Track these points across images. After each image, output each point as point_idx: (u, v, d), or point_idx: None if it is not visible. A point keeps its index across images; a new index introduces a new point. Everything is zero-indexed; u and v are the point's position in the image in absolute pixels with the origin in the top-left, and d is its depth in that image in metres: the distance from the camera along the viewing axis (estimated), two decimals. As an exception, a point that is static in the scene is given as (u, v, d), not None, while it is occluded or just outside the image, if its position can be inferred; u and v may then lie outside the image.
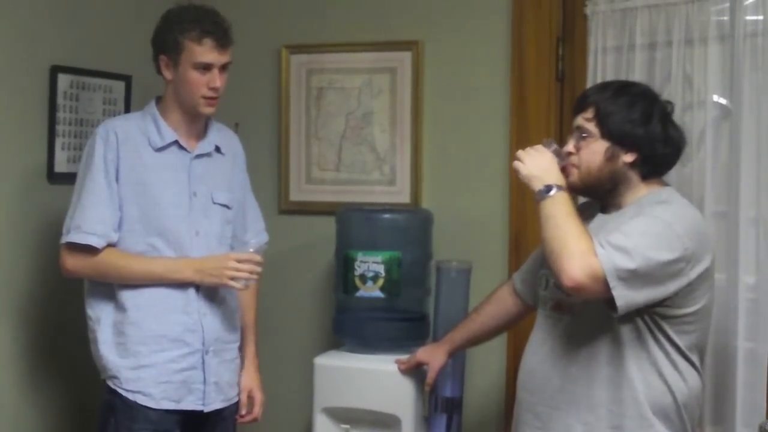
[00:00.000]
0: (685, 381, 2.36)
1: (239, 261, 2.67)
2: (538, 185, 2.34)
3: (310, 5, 3.44)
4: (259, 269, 2.69)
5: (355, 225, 3.15)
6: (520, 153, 2.41)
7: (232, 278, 2.67)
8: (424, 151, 3.30)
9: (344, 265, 3.11)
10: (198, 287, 2.72)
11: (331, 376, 3.04)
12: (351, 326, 3.15)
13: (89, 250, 2.65)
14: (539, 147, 2.41)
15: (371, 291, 3.07)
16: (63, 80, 3.09)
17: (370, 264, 3.06)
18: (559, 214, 2.30)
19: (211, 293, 2.75)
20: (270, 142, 3.49)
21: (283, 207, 3.46)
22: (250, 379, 2.92)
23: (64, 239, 2.68)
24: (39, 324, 3.04)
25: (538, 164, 2.36)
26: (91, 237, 2.64)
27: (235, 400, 2.87)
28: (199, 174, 2.76)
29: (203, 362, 2.73)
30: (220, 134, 2.86)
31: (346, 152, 3.41)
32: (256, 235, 2.94)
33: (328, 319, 3.29)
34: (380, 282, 3.06)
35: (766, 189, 2.70)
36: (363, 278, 3.07)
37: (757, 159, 2.71)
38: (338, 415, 3.02)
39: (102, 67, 3.21)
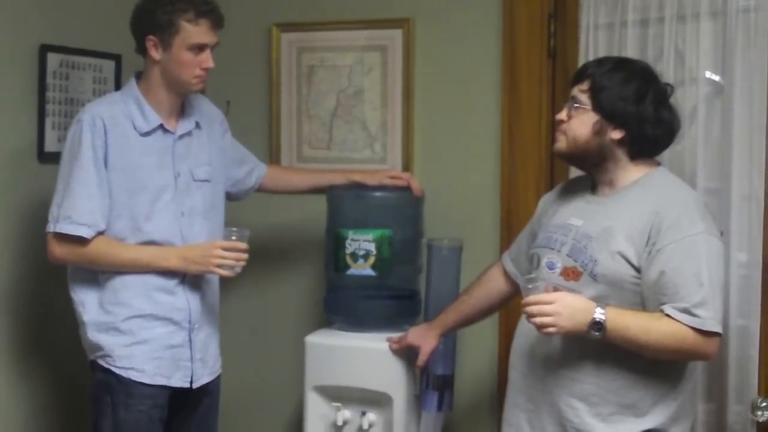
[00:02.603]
0: (678, 364, 2.38)
1: (225, 249, 2.68)
2: (585, 327, 2.26)
3: (300, -17, 3.44)
4: (245, 256, 2.71)
5: (346, 203, 3.14)
6: (545, 312, 2.27)
7: (219, 266, 2.68)
8: (415, 129, 3.30)
9: (335, 244, 3.11)
10: None
11: (322, 354, 3.05)
12: (342, 304, 3.16)
13: (79, 239, 2.65)
14: (548, 296, 2.31)
15: (362, 269, 3.07)
16: (52, 59, 3.08)
17: (361, 242, 3.06)
18: (630, 325, 2.27)
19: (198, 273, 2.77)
20: (261, 121, 3.48)
21: (277, 187, 3.45)
22: None
23: (53, 228, 2.67)
24: (27, 306, 3.04)
25: (566, 312, 2.27)
26: (81, 228, 2.65)
27: (219, 372, 2.91)
28: (181, 154, 2.77)
29: (190, 340, 2.77)
30: (196, 106, 2.85)
31: (338, 130, 3.41)
32: (259, 164, 3.09)
33: (320, 297, 3.29)
34: (371, 260, 3.06)
35: (759, 166, 2.71)
36: (354, 256, 3.07)
37: (750, 136, 2.72)
38: (330, 393, 3.03)
39: (91, 46, 3.20)
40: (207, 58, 2.71)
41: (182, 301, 2.75)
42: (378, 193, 3.12)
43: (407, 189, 3.10)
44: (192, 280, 2.77)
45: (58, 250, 2.68)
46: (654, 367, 2.34)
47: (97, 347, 2.72)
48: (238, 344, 3.52)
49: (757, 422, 2.64)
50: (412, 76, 3.28)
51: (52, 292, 2.97)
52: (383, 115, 3.34)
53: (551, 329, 2.27)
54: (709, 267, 2.28)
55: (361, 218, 3.09)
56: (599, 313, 2.25)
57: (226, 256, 2.69)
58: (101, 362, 2.71)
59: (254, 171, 3.10)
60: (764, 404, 2.59)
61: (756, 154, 2.70)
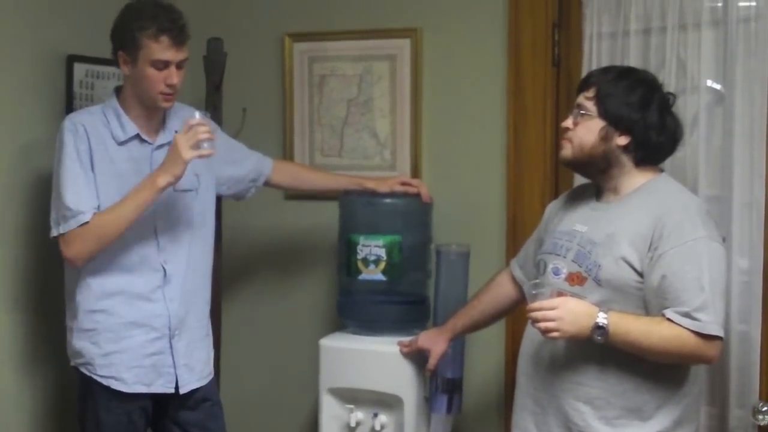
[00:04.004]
0: (682, 368, 2.41)
1: (186, 133, 2.66)
2: (588, 332, 2.30)
3: (312, -6, 3.48)
4: (206, 128, 2.67)
5: (357, 209, 3.18)
6: (549, 317, 2.31)
7: (192, 150, 2.65)
8: (424, 137, 3.33)
9: (347, 249, 3.15)
10: (165, 273, 2.78)
11: (336, 357, 3.10)
12: (354, 308, 3.20)
13: (82, 228, 2.67)
14: (551, 302, 2.34)
15: (373, 274, 3.11)
16: (79, 69, 3.18)
17: (372, 248, 3.10)
18: (632, 329, 2.30)
19: (178, 280, 2.81)
20: (275, 129, 3.52)
21: (289, 192, 3.48)
22: None
23: (59, 231, 2.70)
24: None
25: (568, 317, 2.30)
26: (80, 216, 2.67)
27: (211, 376, 2.93)
28: (160, 164, 2.75)
29: (171, 346, 2.80)
30: (178, 118, 2.85)
31: (348, 138, 3.44)
32: (262, 161, 3.10)
33: (334, 301, 3.34)
34: (382, 265, 3.10)
35: (759, 173, 2.72)
36: (365, 262, 3.11)
37: (750, 143, 2.73)
38: (343, 395, 3.08)
39: (115, 56, 3.28)
40: (171, 75, 2.70)
41: (161, 308, 2.78)
42: (388, 200, 3.15)
43: (417, 196, 3.13)
44: (171, 287, 2.80)
45: (70, 250, 2.70)
46: (658, 371, 2.37)
47: (79, 354, 2.78)
48: (253, 347, 3.61)
49: (759, 426, 2.65)
50: (420, 84, 3.31)
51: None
52: (392, 123, 3.37)
53: (555, 334, 2.31)
54: (710, 271, 2.31)
55: (372, 224, 3.13)
56: (602, 318, 2.28)
57: (190, 137, 2.65)
58: (82, 369, 2.78)
59: (257, 167, 3.10)
60: (765, 408, 2.59)
61: (757, 161, 2.71)
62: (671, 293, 2.30)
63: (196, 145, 2.66)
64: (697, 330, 2.27)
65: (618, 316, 2.30)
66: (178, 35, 2.71)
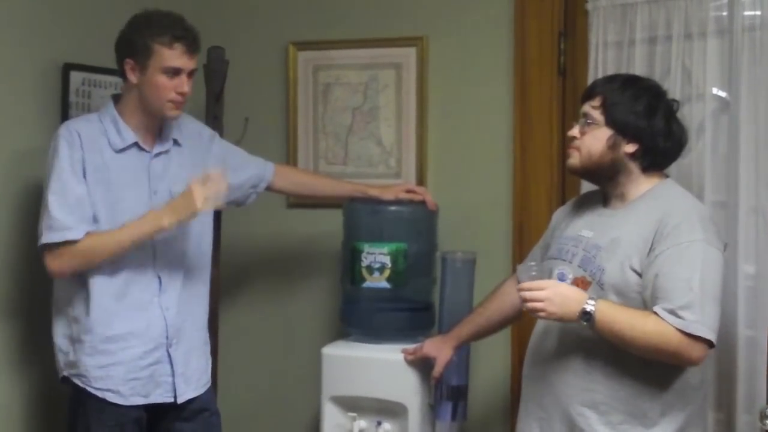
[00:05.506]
0: (686, 371, 2.41)
1: (204, 183, 2.66)
2: (574, 316, 2.33)
3: (316, 2, 3.49)
4: (223, 184, 2.69)
5: (361, 217, 3.18)
6: (537, 298, 2.34)
7: (204, 201, 2.65)
8: (429, 145, 3.35)
9: (351, 257, 3.15)
10: (160, 281, 2.76)
11: (338, 365, 3.09)
12: (358, 316, 3.19)
13: (67, 245, 2.63)
14: (540, 283, 2.37)
15: (378, 282, 3.11)
16: (75, 78, 3.15)
17: (377, 255, 3.10)
18: (618, 319, 2.31)
19: (174, 289, 2.78)
20: (278, 137, 3.53)
21: (292, 200, 3.50)
22: None
23: (41, 241, 2.65)
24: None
25: (557, 299, 2.34)
26: (66, 233, 2.63)
27: (208, 385, 2.90)
28: (158, 172, 2.75)
29: (169, 355, 2.77)
30: (175, 125, 2.84)
31: (353, 146, 3.46)
32: (263, 166, 3.07)
33: (336, 310, 3.34)
34: (387, 273, 3.10)
35: (765, 179, 2.75)
36: (370, 269, 3.11)
37: (756, 150, 2.76)
38: (346, 403, 3.06)
39: (113, 65, 3.19)
40: (182, 83, 2.69)
41: (158, 317, 2.75)
42: (393, 208, 3.15)
43: (422, 203, 3.14)
44: (167, 296, 2.77)
45: (55, 263, 2.66)
46: (663, 377, 2.38)
47: (73, 365, 2.73)
48: (254, 356, 3.59)
49: (766, 431, 2.68)
50: (426, 92, 3.33)
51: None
52: (398, 131, 3.39)
53: (541, 314, 2.34)
54: (702, 274, 2.32)
55: (377, 232, 3.13)
56: (590, 304, 2.30)
57: (206, 189, 2.65)
58: (75, 380, 2.73)
59: (257, 173, 3.07)
60: (772, 413, 2.62)
61: (762, 167, 2.75)
62: (661, 291, 2.31)
63: (211, 198, 2.67)
64: (680, 327, 2.28)
65: (606, 305, 2.32)
66: (192, 43, 2.72)
